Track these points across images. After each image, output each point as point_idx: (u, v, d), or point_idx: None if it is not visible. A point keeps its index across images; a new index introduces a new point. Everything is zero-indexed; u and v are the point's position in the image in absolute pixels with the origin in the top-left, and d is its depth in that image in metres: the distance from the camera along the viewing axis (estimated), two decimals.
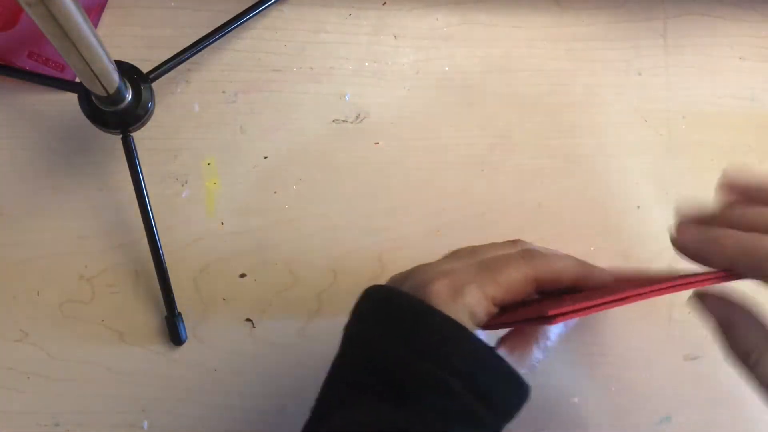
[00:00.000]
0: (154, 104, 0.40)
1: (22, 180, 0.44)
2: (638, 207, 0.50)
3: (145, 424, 0.43)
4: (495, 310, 0.32)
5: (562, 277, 0.33)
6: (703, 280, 0.31)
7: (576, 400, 0.48)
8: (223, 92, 0.46)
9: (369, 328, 0.32)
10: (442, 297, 0.31)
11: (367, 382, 0.31)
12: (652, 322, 0.49)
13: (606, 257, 0.49)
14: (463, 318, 0.31)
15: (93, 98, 0.38)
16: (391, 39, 0.49)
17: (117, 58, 0.37)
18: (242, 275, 0.45)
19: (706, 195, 0.53)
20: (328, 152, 0.47)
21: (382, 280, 0.46)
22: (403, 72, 0.48)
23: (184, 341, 0.44)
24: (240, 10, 0.45)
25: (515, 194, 0.49)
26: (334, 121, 0.47)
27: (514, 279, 0.32)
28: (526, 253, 0.33)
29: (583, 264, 0.35)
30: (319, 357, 0.44)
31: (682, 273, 0.34)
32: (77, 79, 0.42)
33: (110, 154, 0.44)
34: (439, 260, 0.35)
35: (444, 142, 0.48)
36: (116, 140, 0.41)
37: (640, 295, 0.30)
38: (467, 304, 0.31)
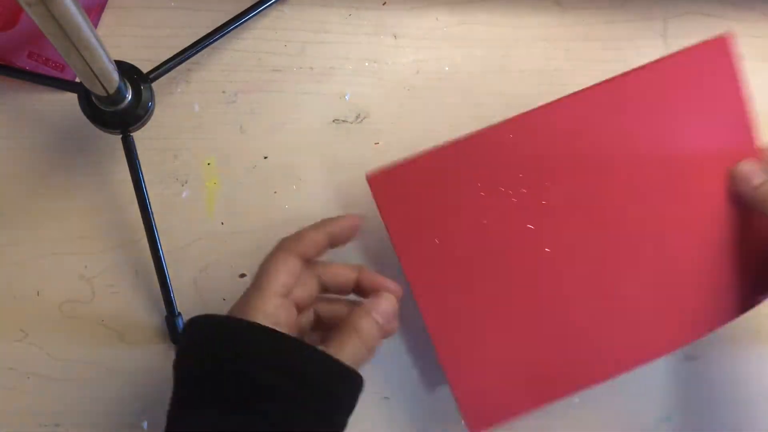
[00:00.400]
0: (154, 104, 0.40)
1: (22, 180, 0.44)
2: None
3: (145, 424, 0.43)
4: (286, 293, 0.36)
5: (311, 248, 0.38)
6: None
7: (576, 400, 0.48)
8: (223, 92, 0.46)
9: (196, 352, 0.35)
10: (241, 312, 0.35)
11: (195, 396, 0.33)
12: None
13: None
14: (264, 321, 0.34)
15: (93, 98, 0.38)
16: (391, 39, 0.49)
17: (117, 58, 0.37)
18: (242, 275, 0.45)
19: None
20: (328, 152, 0.47)
21: None
22: (403, 72, 0.48)
23: None
24: (240, 10, 0.45)
25: None
26: (334, 121, 0.47)
27: (276, 268, 0.36)
28: (281, 244, 0.38)
29: (320, 225, 0.39)
30: None
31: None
32: (77, 79, 0.42)
33: (110, 154, 0.44)
34: None
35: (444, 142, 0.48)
36: (116, 140, 0.41)
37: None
38: (263, 312, 0.35)
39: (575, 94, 0.40)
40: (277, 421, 0.32)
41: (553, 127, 0.40)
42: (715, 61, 0.41)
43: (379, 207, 0.40)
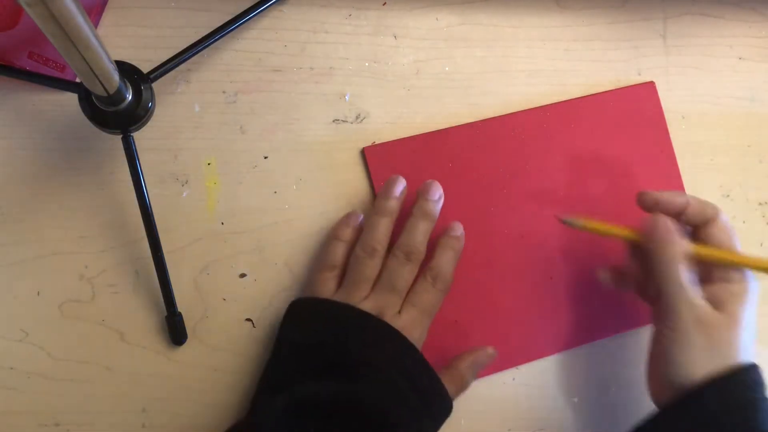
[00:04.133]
0: (154, 104, 0.40)
1: (22, 180, 0.44)
2: None
3: (145, 424, 0.43)
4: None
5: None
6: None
7: (576, 400, 0.48)
8: (223, 92, 0.46)
9: (313, 330, 0.41)
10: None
11: (318, 366, 0.39)
12: None
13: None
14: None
15: (93, 98, 0.37)
16: (391, 39, 0.49)
17: (117, 58, 0.37)
18: (242, 275, 0.45)
19: (705, 194, 0.53)
20: (328, 152, 0.47)
21: None
22: (403, 72, 0.48)
23: (184, 341, 0.44)
24: (240, 11, 0.45)
25: None
26: (334, 121, 0.47)
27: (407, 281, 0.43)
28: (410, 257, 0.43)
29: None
30: None
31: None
32: (77, 79, 0.42)
33: (110, 154, 0.44)
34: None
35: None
36: (116, 140, 0.41)
37: None
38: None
39: (536, 108, 0.49)
40: (373, 393, 0.37)
41: (513, 131, 0.49)
42: (644, 98, 0.51)
43: (371, 174, 0.47)
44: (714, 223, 0.41)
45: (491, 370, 0.47)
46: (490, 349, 0.45)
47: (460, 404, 0.46)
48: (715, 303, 0.39)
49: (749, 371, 0.38)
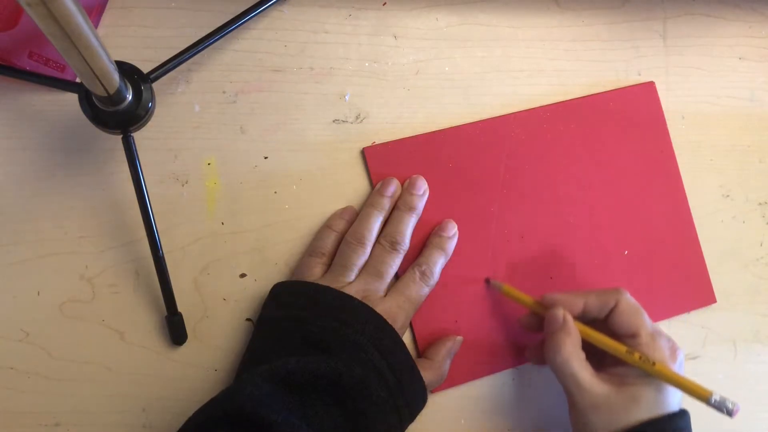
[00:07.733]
0: (154, 104, 0.40)
1: (22, 180, 0.44)
2: None
3: (146, 424, 0.43)
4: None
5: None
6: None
7: None
8: (223, 92, 0.46)
9: (294, 310, 0.41)
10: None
11: (298, 342, 0.40)
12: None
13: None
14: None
15: (93, 98, 0.37)
16: (391, 39, 0.49)
17: (117, 58, 0.37)
18: (242, 275, 0.45)
19: (705, 194, 0.53)
20: (328, 152, 0.47)
21: None
22: (403, 72, 0.48)
23: (184, 341, 0.44)
24: (240, 11, 0.45)
25: None
26: (334, 121, 0.47)
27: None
28: (393, 245, 0.44)
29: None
30: None
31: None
32: (78, 80, 0.42)
33: (110, 154, 0.44)
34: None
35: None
36: (116, 140, 0.41)
37: None
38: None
39: (536, 108, 0.49)
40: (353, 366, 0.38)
41: (513, 131, 0.49)
42: (644, 98, 0.51)
43: (371, 174, 0.47)
44: (616, 309, 0.42)
45: (491, 370, 0.47)
46: (459, 337, 0.46)
47: (460, 404, 0.46)
48: (617, 383, 0.40)
49: (658, 422, 0.40)
